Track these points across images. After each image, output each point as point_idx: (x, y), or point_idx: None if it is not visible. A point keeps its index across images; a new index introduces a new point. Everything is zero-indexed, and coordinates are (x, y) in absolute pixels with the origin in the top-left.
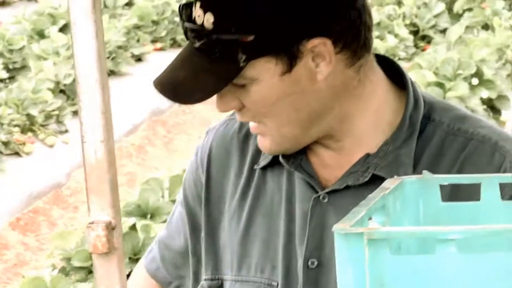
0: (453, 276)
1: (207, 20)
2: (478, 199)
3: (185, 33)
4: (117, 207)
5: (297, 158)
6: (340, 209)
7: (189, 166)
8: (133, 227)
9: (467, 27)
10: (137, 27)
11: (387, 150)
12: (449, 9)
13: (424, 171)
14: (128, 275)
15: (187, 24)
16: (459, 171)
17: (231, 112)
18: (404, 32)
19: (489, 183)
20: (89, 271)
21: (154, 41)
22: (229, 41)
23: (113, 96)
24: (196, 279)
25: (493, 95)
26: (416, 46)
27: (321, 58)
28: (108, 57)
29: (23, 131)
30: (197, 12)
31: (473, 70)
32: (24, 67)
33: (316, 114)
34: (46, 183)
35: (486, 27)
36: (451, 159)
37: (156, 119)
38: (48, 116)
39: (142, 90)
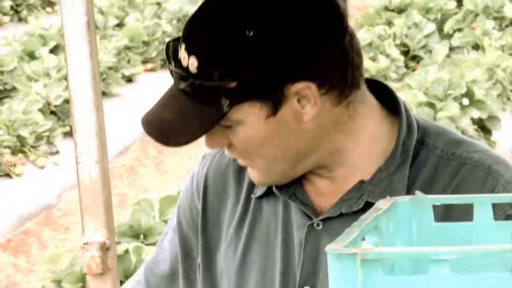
0: None
1: (191, 63)
2: (470, 219)
3: (171, 73)
4: (111, 228)
5: (291, 187)
6: (335, 236)
7: (184, 192)
8: (125, 250)
9: (457, 47)
10: (128, 48)
11: (381, 177)
12: (439, 29)
13: (417, 192)
14: None
15: (171, 67)
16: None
17: None
18: (395, 53)
19: (482, 203)
20: None
21: (144, 61)
22: (212, 86)
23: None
24: None
25: (484, 116)
26: (406, 66)
27: (306, 100)
28: None
29: (14, 152)
30: (183, 54)
31: (463, 90)
32: (14, 88)
33: (304, 151)
34: (37, 204)
35: (476, 47)
36: (444, 184)
37: (147, 140)
38: (38, 138)
39: (132, 111)
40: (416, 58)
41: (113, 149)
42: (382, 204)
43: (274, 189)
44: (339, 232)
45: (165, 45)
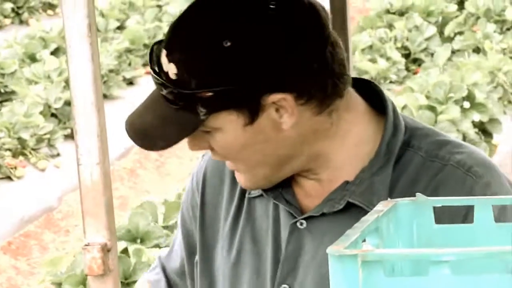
0: None
1: (171, 70)
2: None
3: (153, 78)
4: (113, 229)
5: (278, 187)
6: (317, 235)
7: (186, 191)
8: (125, 251)
9: (458, 50)
10: (129, 50)
11: (363, 178)
12: (440, 33)
13: (418, 194)
14: None
15: (153, 72)
16: (432, 195)
17: None
18: (396, 55)
19: (482, 205)
20: None
21: (145, 64)
22: (190, 94)
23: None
24: None
25: (485, 119)
26: (407, 69)
27: (284, 110)
28: None
29: (15, 155)
30: (164, 59)
31: (464, 94)
32: (15, 91)
33: (285, 157)
34: (38, 207)
35: (477, 50)
36: (425, 185)
37: None
38: (39, 140)
39: None
40: (417, 61)
41: (114, 151)
42: (382, 206)
43: (261, 189)
44: (322, 231)
45: (149, 48)
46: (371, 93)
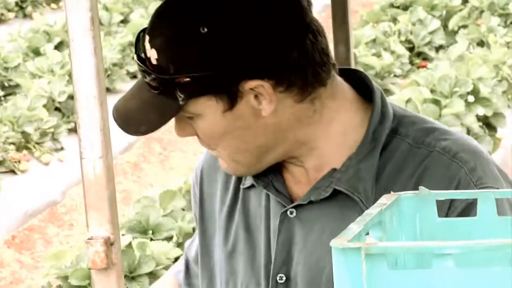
0: None
1: (152, 56)
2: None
3: (137, 64)
4: (116, 223)
5: (268, 176)
6: (306, 224)
7: (192, 186)
8: (129, 245)
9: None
10: (133, 44)
11: (349, 165)
12: (444, 26)
13: (421, 187)
14: None
15: (136, 57)
16: (417, 183)
17: None
18: (400, 49)
19: (485, 198)
20: None
21: None
22: (168, 80)
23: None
24: None
25: (489, 113)
26: (411, 63)
27: (262, 97)
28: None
29: (19, 149)
30: (147, 45)
31: (469, 88)
32: (19, 85)
33: (266, 145)
34: (42, 201)
35: (481, 43)
36: (411, 172)
37: (151, 136)
38: (43, 134)
39: None
40: (421, 55)
41: (117, 145)
42: (386, 199)
43: (251, 178)
44: (311, 220)
45: (136, 35)
46: (359, 82)
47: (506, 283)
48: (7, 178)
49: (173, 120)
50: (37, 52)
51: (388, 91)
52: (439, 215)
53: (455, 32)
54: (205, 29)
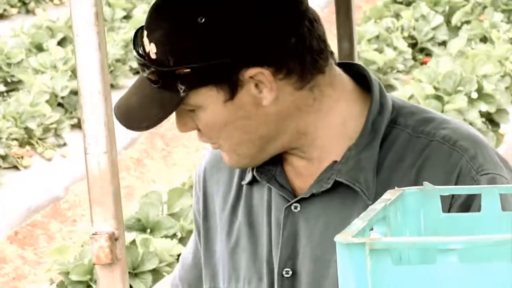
0: (454, 286)
1: (151, 50)
2: None
3: (136, 60)
4: (120, 218)
5: (271, 170)
6: (310, 218)
7: (193, 193)
8: (132, 241)
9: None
10: None
11: (350, 156)
12: (447, 22)
13: (425, 183)
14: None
15: (135, 53)
16: (419, 172)
17: None
18: (403, 45)
19: (490, 194)
20: (87, 285)
21: None
22: (168, 72)
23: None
24: None
25: (492, 109)
26: (414, 58)
27: (263, 85)
28: None
29: (21, 144)
30: (145, 40)
31: (474, 86)
32: (22, 81)
33: (268, 135)
34: (44, 196)
35: (484, 39)
36: (412, 161)
37: (154, 132)
38: (46, 130)
39: None
40: (424, 51)
41: (120, 141)
42: (390, 195)
43: (254, 173)
44: (315, 214)
45: (134, 32)
46: (358, 75)
47: (510, 278)
48: (10, 173)
49: (173, 115)
50: (40, 48)
51: (390, 87)
52: (443, 205)
53: (458, 28)
54: (203, 19)
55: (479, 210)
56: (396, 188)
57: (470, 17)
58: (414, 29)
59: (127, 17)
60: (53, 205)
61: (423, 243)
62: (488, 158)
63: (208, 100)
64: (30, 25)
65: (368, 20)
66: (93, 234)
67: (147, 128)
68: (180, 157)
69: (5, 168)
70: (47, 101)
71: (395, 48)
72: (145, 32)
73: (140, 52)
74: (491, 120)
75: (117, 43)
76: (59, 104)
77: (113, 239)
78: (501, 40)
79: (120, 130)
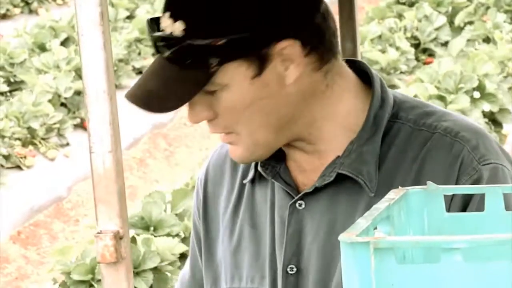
0: (458, 285)
1: (177, 28)
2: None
3: (154, 45)
4: (125, 217)
5: (276, 166)
6: (315, 215)
7: (193, 199)
8: (133, 240)
9: (468, 40)
10: (138, 40)
11: (352, 149)
12: (450, 22)
13: (428, 182)
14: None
15: (156, 34)
16: (421, 165)
17: None
18: (406, 45)
19: (493, 193)
20: (89, 284)
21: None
22: (201, 46)
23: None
24: None
25: (495, 109)
26: (417, 59)
27: (289, 61)
28: None
29: (24, 144)
30: (166, 22)
31: (475, 84)
32: (25, 81)
33: (286, 118)
34: (47, 196)
35: (487, 40)
36: (414, 154)
37: (157, 132)
38: (49, 129)
39: None
40: (426, 51)
41: (123, 141)
42: (394, 194)
43: (259, 168)
44: (319, 210)
45: (146, 21)
46: (359, 70)
47: None
48: (13, 173)
49: (176, 115)
50: (43, 48)
51: (394, 87)
52: (445, 197)
53: (461, 29)
54: None
55: (481, 201)
56: (399, 187)
57: (473, 17)
58: (417, 29)
59: (130, 17)
60: (56, 205)
61: (427, 242)
62: (490, 148)
63: (236, 77)
64: (33, 25)
65: (371, 20)
66: (98, 233)
67: (172, 108)
68: (182, 157)
69: (8, 168)
70: (49, 101)
71: (397, 49)
72: (167, 14)
73: (159, 36)
74: (494, 120)
75: (120, 43)
76: (62, 104)
77: (118, 237)
78: (504, 40)
79: (123, 130)
